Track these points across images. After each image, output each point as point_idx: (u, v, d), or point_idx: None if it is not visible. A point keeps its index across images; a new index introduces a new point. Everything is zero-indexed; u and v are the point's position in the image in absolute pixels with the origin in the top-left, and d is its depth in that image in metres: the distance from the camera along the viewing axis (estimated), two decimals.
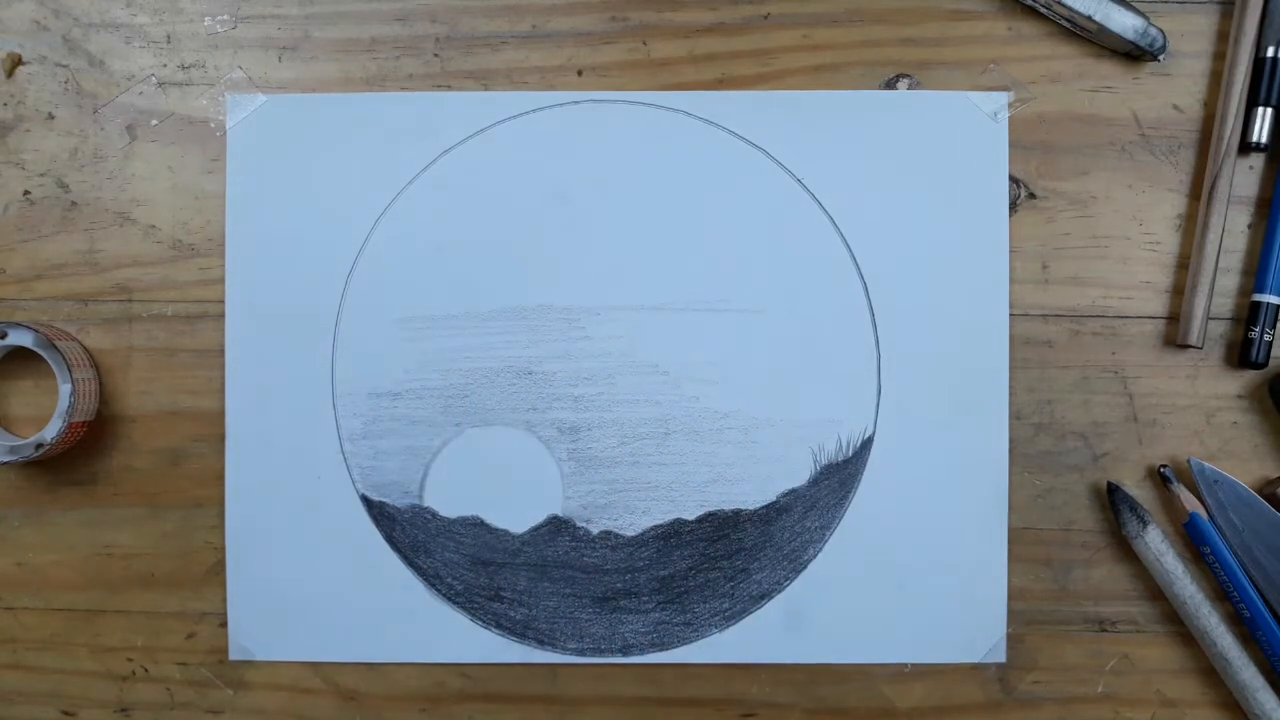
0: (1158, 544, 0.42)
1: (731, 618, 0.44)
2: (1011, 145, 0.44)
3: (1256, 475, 0.44)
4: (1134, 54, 0.44)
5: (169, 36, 0.45)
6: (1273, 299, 0.42)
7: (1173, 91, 0.44)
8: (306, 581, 0.44)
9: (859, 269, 0.44)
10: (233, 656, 0.44)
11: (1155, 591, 0.43)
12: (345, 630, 0.44)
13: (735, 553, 0.44)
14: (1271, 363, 0.43)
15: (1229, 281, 0.44)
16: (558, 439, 0.44)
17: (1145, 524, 0.42)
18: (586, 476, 0.44)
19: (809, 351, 0.44)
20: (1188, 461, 0.43)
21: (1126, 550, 0.44)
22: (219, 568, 0.44)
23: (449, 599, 0.44)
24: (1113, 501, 0.43)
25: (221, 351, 0.44)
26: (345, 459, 0.44)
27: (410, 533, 0.44)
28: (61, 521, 0.45)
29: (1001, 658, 0.43)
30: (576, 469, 0.44)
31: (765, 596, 0.44)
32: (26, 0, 0.45)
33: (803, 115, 0.44)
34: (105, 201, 0.45)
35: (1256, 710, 0.42)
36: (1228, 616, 0.42)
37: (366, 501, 0.44)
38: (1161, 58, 0.43)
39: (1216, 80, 0.44)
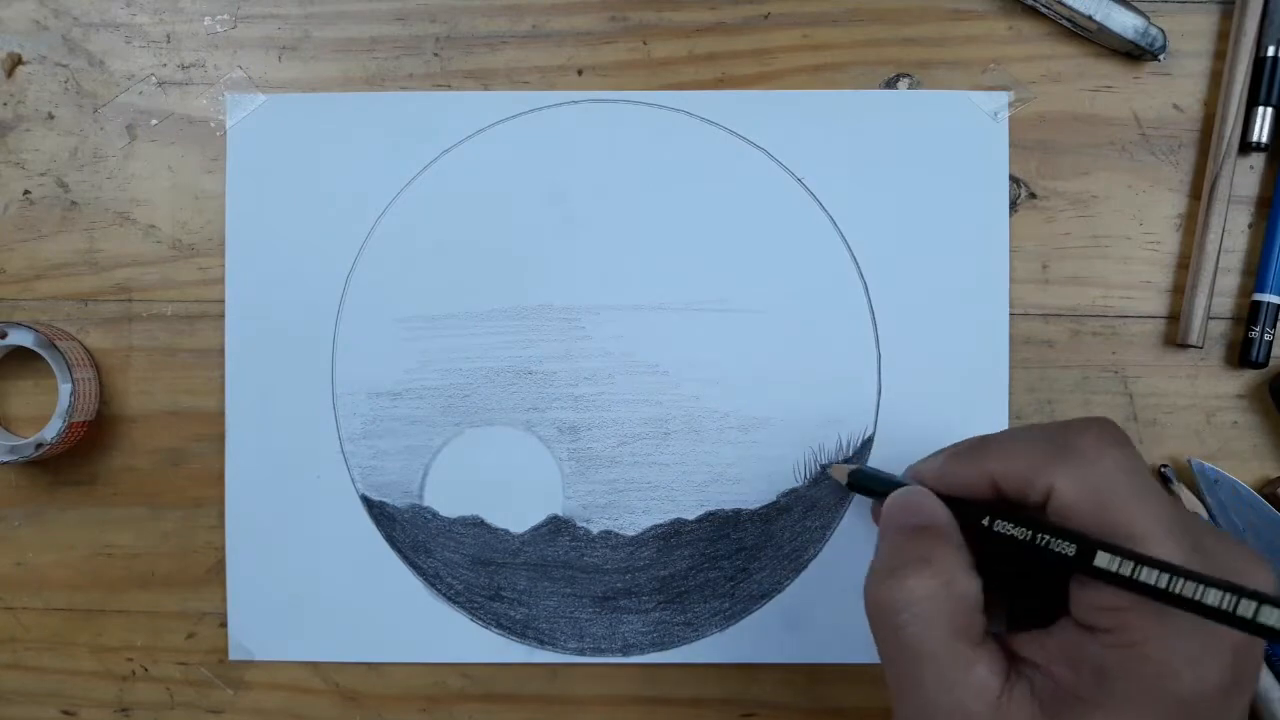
0: None
1: (731, 617, 0.44)
2: (1011, 145, 0.44)
3: (1256, 475, 0.44)
4: (1134, 54, 0.44)
5: (169, 36, 0.45)
6: (1273, 299, 0.42)
7: (1173, 91, 0.44)
8: (307, 581, 0.44)
9: (859, 269, 0.44)
10: (233, 656, 0.44)
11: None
12: (345, 630, 0.44)
13: (735, 552, 0.44)
14: (1271, 363, 0.43)
15: (1229, 281, 0.44)
16: (558, 439, 0.44)
17: None
18: (587, 476, 0.44)
19: (809, 351, 0.44)
20: (1188, 461, 0.43)
21: None
22: (219, 568, 0.44)
23: (449, 599, 0.44)
24: None
25: (221, 351, 0.44)
26: (345, 459, 0.44)
27: (410, 532, 0.44)
28: (61, 521, 0.45)
29: None
30: (577, 469, 0.44)
31: (765, 596, 0.44)
32: (26, 0, 0.45)
33: (803, 115, 0.44)
34: (105, 201, 0.45)
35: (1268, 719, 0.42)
36: None
37: (367, 501, 0.44)
38: (1162, 57, 0.43)
39: (1217, 80, 0.44)
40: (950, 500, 0.33)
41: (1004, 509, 0.31)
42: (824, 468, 0.43)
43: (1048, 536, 0.29)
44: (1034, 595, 0.30)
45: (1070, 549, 0.28)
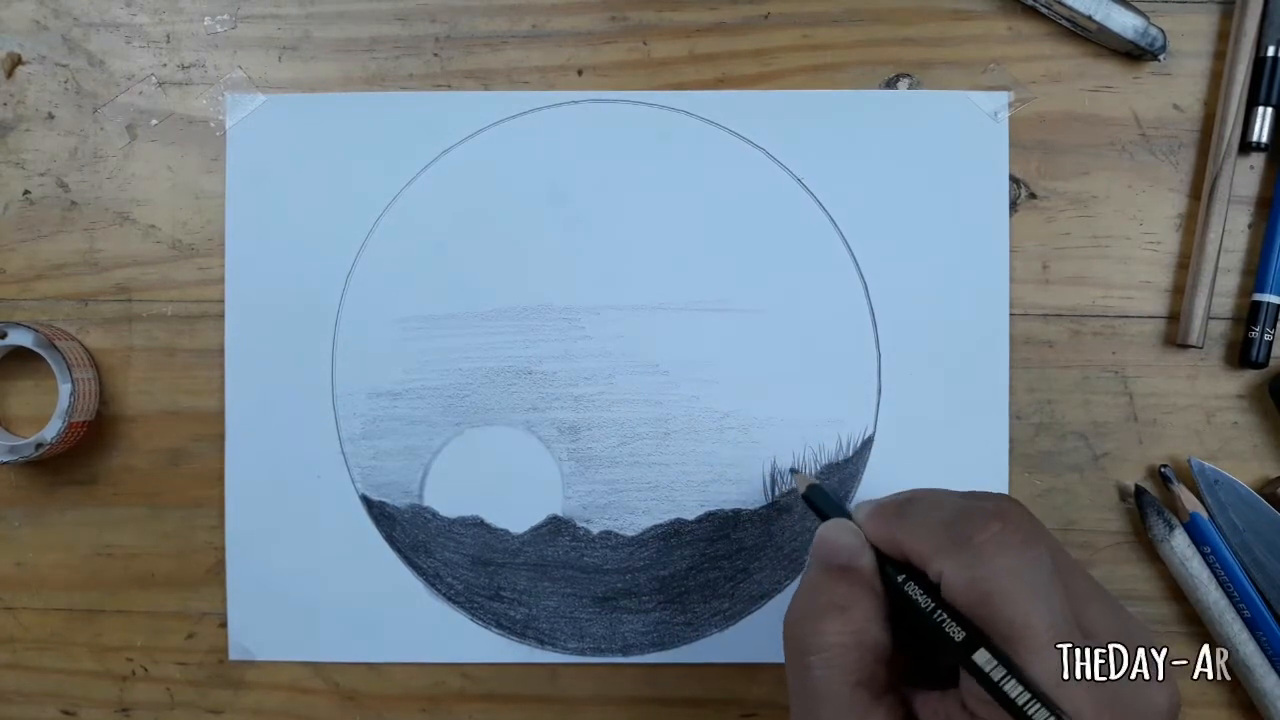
0: (1183, 549, 0.42)
1: (731, 618, 0.44)
2: (1011, 145, 0.44)
3: (1256, 475, 0.44)
4: (1134, 54, 0.44)
5: (169, 36, 0.45)
6: (1273, 299, 0.42)
7: (1173, 91, 0.44)
8: (306, 581, 0.44)
9: (859, 269, 0.44)
10: (233, 656, 0.44)
11: (1156, 592, 0.43)
12: (345, 630, 0.44)
13: (735, 553, 0.44)
14: (1271, 363, 0.43)
15: (1229, 281, 0.44)
16: (558, 439, 0.44)
17: (1172, 528, 0.42)
18: (586, 476, 0.44)
19: (809, 351, 0.44)
20: (1188, 461, 0.43)
21: (1126, 551, 0.44)
22: (219, 568, 0.44)
23: (449, 599, 0.44)
24: (1139, 504, 0.43)
25: (221, 351, 0.44)
26: (345, 459, 0.44)
27: (410, 532, 0.44)
28: (61, 521, 0.45)
29: None
30: (576, 469, 0.44)
31: (765, 596, 0.44)
32: (26, 0, 0.45)
33: (803, 115, 0.44)
34: (105, 201, 0.45)
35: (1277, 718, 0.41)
36: (1250, 622, 0.42)
37: (366, 501, 0.44)
38: (1162, 57, 0.43)
39: (1216, 80, 0.44)
40: (875, 548, 0.33)
41: (920, 573, 0.31)
42: (792, 471, 0.43)
43: (944, 615, 0.29)
44: (940, 654, 0.31)
45: (959, 634, 0.28)
